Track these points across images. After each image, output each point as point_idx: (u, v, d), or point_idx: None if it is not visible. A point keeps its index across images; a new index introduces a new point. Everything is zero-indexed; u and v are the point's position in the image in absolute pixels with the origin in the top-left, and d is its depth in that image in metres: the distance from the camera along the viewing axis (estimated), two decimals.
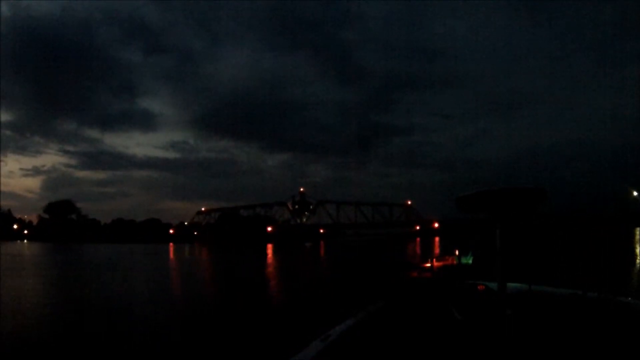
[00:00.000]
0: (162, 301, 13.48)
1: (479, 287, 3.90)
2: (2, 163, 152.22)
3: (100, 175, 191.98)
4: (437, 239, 72.28)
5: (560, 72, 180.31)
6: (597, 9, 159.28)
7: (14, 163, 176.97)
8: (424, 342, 3.12)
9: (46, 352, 7.51)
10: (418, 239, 78.37)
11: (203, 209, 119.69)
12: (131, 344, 7.96)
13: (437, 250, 39.37)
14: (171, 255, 47.46)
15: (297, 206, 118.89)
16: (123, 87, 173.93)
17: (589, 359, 2.62)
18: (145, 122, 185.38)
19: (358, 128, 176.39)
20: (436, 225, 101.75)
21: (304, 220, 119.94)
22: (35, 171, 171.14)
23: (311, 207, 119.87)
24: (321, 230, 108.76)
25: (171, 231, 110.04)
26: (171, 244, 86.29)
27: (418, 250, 45.59)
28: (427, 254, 31.79)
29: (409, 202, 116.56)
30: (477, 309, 3.52)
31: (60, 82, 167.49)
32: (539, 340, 2.80)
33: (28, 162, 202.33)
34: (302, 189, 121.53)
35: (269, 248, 57.79)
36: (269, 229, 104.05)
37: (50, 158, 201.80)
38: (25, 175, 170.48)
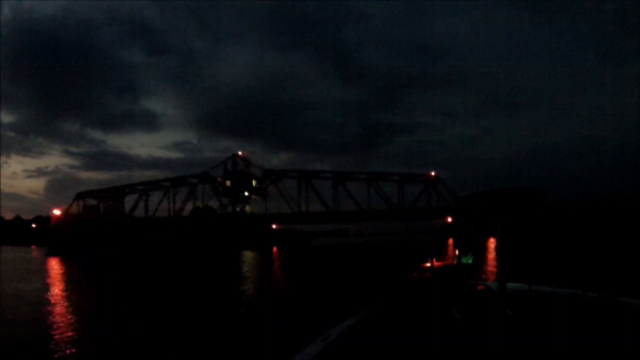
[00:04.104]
0: None
1: (479, 287, 5.04)
2: (5, 165, 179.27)
3: (104, 176, 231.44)
4: (491, 241, 48.14)
5: (562, 70, 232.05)
6: (598, 8, 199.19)
7: (17, 164, 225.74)
8: (424, 342, 4.17)
9: None
10: (451, 240, 55.94)
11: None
12: None
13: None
14: None
15: (229, 182, 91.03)
16: (126, 88, 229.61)
17: (589, 359, 3.54)
18: (149, 122, 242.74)
19: (360, 127, 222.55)
20: None
21: (246, 207, 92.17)
22: (39, 172, 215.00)
23: (254, 183, 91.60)
24: (274, 226, 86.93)
25: (33, 226, 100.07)
26: (33, 247, 78.80)
27: None
28: None
29: (433, 174, 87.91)
30: (477, 309, 4.63)
31: (63, 83, 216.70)
32: (539, 340, 3.84)
33: (32, 163, 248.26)
34: (240, 153, 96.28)
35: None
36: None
37: (54, 159, 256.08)
38: (29, 177, 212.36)
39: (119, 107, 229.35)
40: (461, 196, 3.57)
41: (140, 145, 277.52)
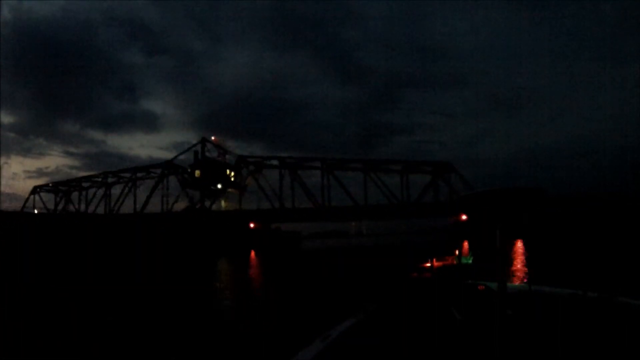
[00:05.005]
0: None
1: (479, 287, 5.11)
2: (6, 165, 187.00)
3: None
4: (519, 244, 44.02)
5: (562, 70, 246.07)
6: (598, 7, 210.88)
7: (17, 165, 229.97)
8: (424, 342, 4.23)
9: None
10: (466, 243, 45.85)
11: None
12: None
13: None
14: None
15: (198, 172, 78.53)
16: (125, 89, 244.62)
17: (589, 359, 3.68)
18: (148, 123, 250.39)
19: (360, 127, 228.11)
20: None
21: (222, 202, 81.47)
22: (39, 173, 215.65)
23: (231, 173, 79.71)
24: (251, 225, 75.17)
25: None
26: None
27: None
28: None
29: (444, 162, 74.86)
30: (477, 309, 4.70)
31: (63, 84, 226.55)
32: (539, 340, 3.90)
33: (32, 164, 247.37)
34: (214, 138, 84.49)
35: None
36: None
37: (54, 160, 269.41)
38: (29, 177, 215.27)
39: (119, 108, 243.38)
40: (462, 196, 3.64)
41: (140, 145, 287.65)
